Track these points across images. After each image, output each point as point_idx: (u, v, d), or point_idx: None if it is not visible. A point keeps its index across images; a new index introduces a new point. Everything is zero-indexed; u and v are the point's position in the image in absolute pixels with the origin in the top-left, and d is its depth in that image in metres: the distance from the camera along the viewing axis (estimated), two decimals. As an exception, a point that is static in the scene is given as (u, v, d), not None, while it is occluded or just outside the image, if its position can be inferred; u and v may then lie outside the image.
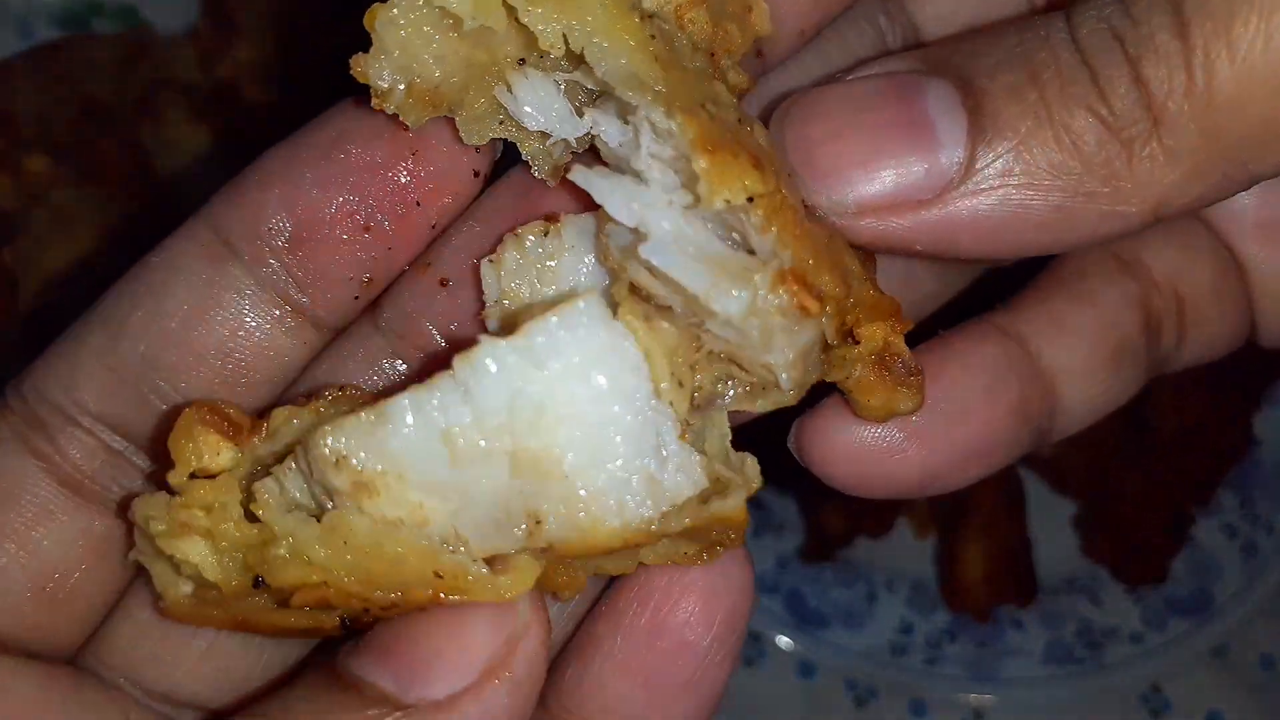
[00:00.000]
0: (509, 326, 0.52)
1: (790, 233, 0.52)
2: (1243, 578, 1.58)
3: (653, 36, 0.53)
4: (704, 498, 0.53)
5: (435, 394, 0.50)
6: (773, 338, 0.53)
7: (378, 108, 0.55)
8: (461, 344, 0.52)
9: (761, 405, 0.56)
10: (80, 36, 1.52)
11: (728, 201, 0.51)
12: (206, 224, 0.60)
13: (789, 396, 0.55)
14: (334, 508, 0.51)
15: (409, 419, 0.50)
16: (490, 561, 0.52)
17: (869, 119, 0.54)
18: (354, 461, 0.50)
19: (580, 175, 0.54)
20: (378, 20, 0.54)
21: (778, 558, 1.61)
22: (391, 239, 0.59)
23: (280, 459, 0.54)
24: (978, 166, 0.53)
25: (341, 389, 0.57)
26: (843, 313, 0.55)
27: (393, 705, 0.52)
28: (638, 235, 0.53)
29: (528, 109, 0.57)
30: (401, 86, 0.55)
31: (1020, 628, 1.57)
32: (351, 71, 0.55)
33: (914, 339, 0.59)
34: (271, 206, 0.58)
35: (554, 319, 0.50)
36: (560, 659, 0.60)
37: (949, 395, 0.62)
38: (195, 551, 0.53)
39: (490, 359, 0.50)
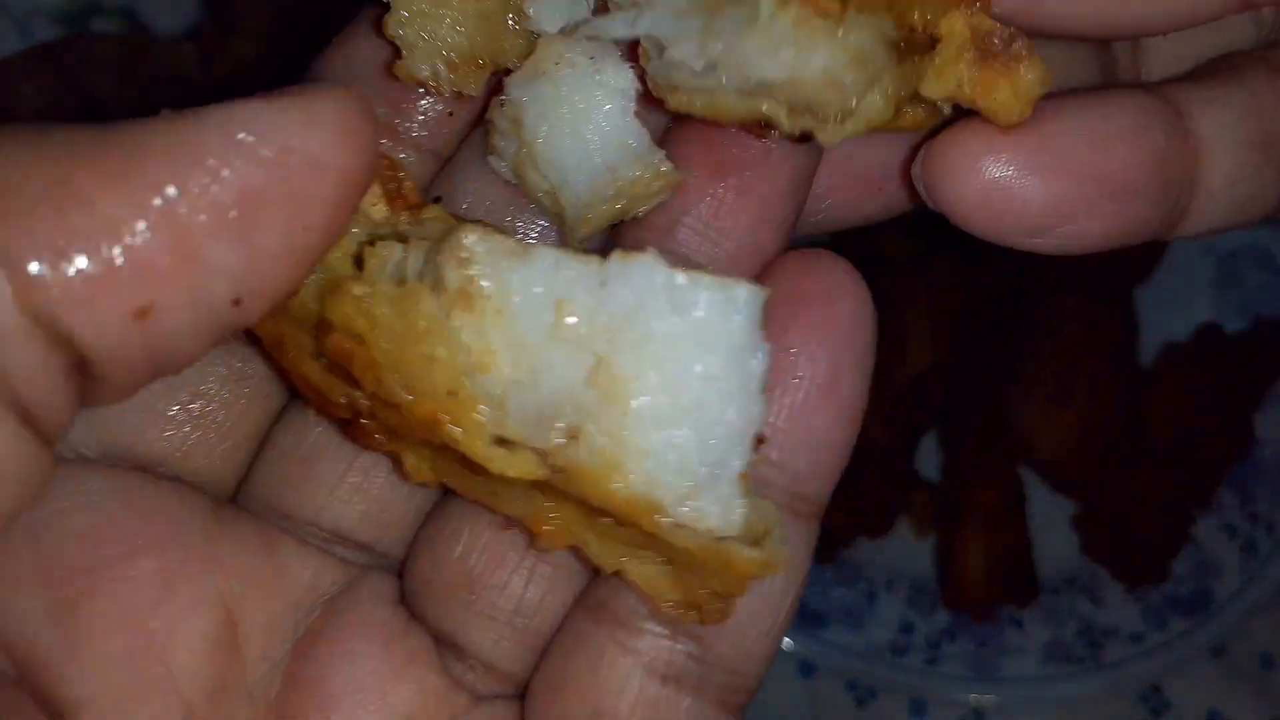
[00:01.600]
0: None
1: None
2: (1243, 577, 1.57)
3: None
4: (722, 538, 0.49)
5: (580, 263, 0.48)
6: (811, 54, 0.51)
7: (435, 95, 0.58)
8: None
9: (853, 127, 0.53)
10: (80, 36, 1.51)
11: None
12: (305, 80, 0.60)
13: (869, 107, 0.53)
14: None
15: (544, 264, 0.48)
16: (500, 443, 0.50)
17: None
18: (473, 268, 0.48)
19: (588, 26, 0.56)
20: (392, 24, 0.56)
21: (778, 557, 1.61)
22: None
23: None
24: None
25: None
26: (901, 9, 0.53)
27: None
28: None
29: (550, 17, 0.58)
30: (442, 67, 0.57)
31: (1020, 627, 1.57)
32: (396, 75, 0.58)
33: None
34: (365, 39, 0.60)
35: (719, 290, 0.48)
36: None
37: (1091, 124, 0.58)
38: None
39: (640, 273, 0.48)
